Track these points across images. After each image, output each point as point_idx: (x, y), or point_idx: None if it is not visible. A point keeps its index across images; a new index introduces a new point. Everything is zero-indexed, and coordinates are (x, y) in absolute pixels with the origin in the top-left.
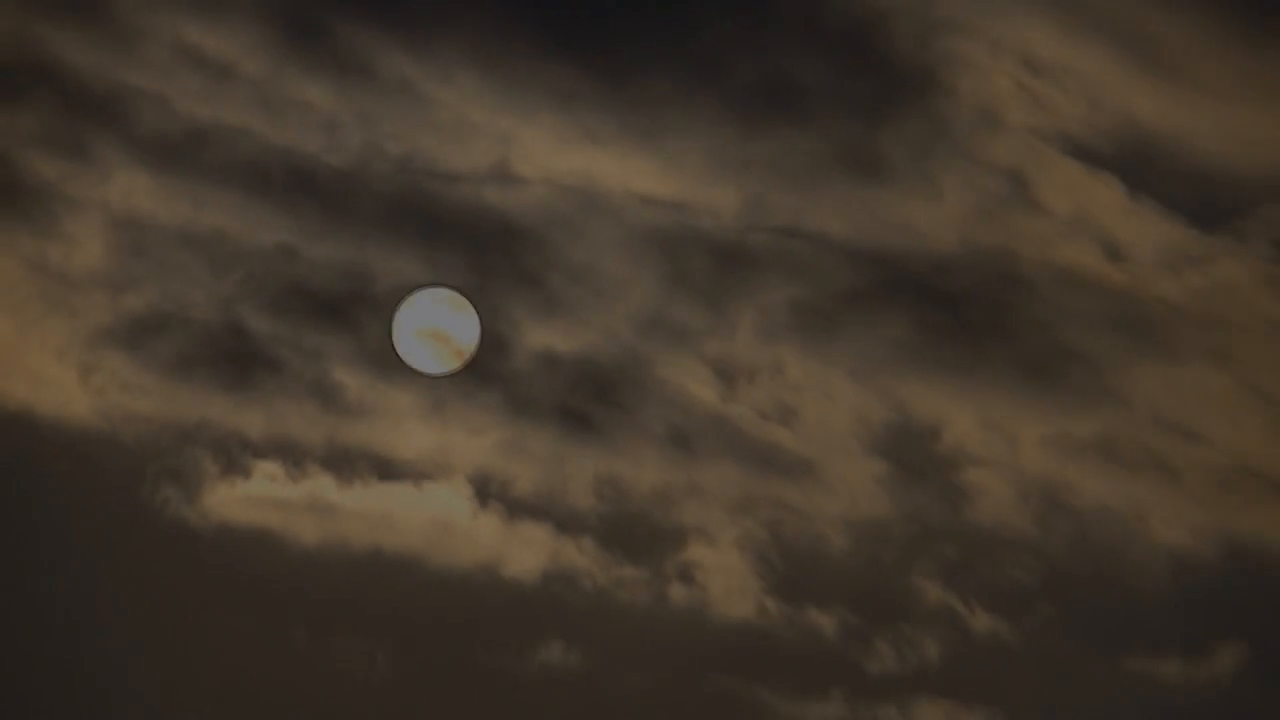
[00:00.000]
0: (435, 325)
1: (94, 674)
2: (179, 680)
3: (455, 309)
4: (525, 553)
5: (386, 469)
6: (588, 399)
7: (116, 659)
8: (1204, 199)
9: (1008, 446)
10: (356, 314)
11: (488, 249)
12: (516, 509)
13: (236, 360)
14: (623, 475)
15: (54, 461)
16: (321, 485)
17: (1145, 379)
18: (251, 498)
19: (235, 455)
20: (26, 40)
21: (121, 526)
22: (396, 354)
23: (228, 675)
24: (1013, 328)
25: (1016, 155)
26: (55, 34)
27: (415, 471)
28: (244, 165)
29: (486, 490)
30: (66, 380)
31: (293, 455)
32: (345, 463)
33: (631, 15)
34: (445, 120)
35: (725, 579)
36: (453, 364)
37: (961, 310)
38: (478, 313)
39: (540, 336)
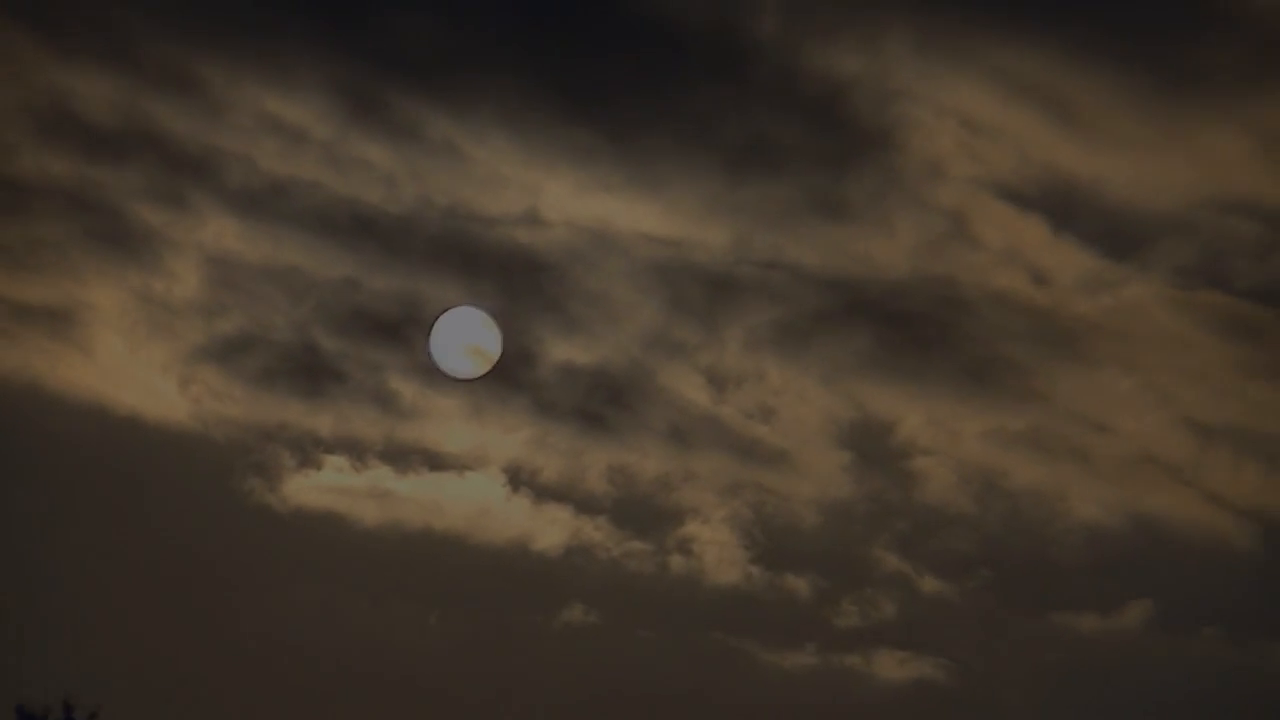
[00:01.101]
0: (467, 338)
1: (190, 634)
2: (260, 639)
3: (484, 325)
4: (550, 530)
5: (434, 461)
6: (601, 402)
7: (209, 621)
8: (1115, 234)
9: (951, 439)
10: (409, 334)
11: (518, 280)
12: (542, 494)
13: (309, 373)
14: (631, 465)
15: (157, 458)
16: (380, 475)
17: (1065, 382)
18: (322, 486)
19: (308, 451)
20: (134, 111)
21: (214, 511)
22: (441, 367)
23: (301, 635)
24: (955, 341)
25: (957, 199)
26: (158, 105)
27: (458, 463)
28: (315, 212)
29: (517, 478)
30: (168, 390)
31: (356, 450)
32: (400, 456)
33: (636, 86)
34: (483, 174)
35: (716, 551)
36: (482, 369)
37: (912, 327)
38: (503, 330)
39: (561, 351)
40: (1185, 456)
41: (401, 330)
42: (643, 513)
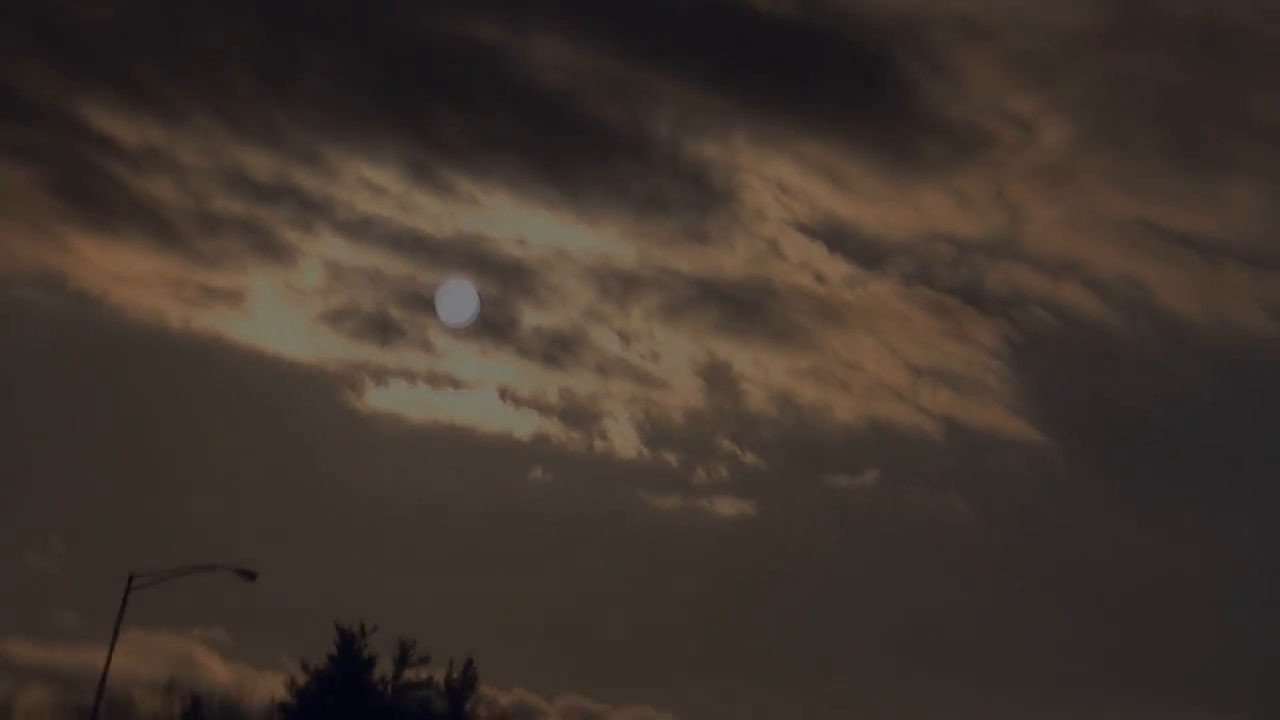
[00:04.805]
0: (459, 301)
1: (301, 488)
2: (347, 491)
3: (469, 294)
4: (524, 424)
5: (456, 383)
6: (556, 350)
7: (316, 480)
8: (866, 253)
9: (765, 373)
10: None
11: (510, 276)
12: (520, 403)
13: (384, 330)
14: (574, 387)
15: (291, 382)
16: (425, 391)
17: (833, 340)
18: (389, 398)
19: (381, 377)
20: (282, 173)
21: (324, 413)
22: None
23: (373, 487)
24: (768, 316)
25: (773, 232)
26: (296, 169)
27: (471, 384)
28: (389, 236)
29: (506, 393)
30: (299, 340)
31: (410, 376)
32: (436, 380)
33: (584, 163)
34: (491, 215)
35: (623, 438)
36: (468, 320)
37: (744, 307)
38: (495, 304)
39: (533, 318)
40: (904, 385)
41: (438, 306)
42: (580, 415)
